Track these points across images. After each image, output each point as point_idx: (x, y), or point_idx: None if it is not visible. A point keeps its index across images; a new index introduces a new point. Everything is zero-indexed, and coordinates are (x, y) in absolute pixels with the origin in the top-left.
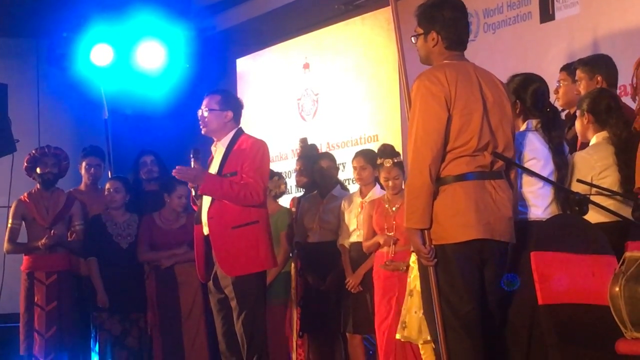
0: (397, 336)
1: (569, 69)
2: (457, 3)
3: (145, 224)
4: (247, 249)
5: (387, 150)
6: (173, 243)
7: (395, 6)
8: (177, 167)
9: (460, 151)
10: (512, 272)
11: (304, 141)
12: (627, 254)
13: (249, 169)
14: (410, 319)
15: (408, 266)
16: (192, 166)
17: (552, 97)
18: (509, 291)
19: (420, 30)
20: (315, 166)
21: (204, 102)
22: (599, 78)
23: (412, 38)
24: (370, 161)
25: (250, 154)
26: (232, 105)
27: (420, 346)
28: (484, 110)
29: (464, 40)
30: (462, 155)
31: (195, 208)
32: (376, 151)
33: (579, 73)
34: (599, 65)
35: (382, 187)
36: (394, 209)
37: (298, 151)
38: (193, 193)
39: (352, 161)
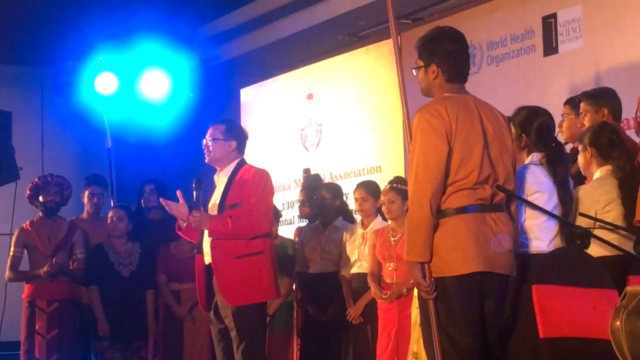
0: None
1: (572, 102)
2: (457, 36)
3: (162, 253)
4: (250, 279)
5: (394, 179)
6: (185, 273)
7: (397, 39)
8: (191, 214)
9: (460, 184)
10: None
11: (307, 172)
12: (628, 288)
13: (253, 200)
14: (420, 348)
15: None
16: (194, 196)
17: (556, 131)
18: (510, 324)
19: (421, 63)
20: (317, 197)
21: (209, 132)
22: (605, 111)
23: (413, 70)
24: (372, 192)
25: (253, 185)
26: (236, 135)
27: None
28: (484, 143)
29: (464, 73)
30: (462, 189)
31: (180, 234)
32: (379, 182)
33: (583, 106)
34: (605, 97)
35: (383, 218)
36: (395, 238)
37: (301, 182)
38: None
39: (354, 192)
